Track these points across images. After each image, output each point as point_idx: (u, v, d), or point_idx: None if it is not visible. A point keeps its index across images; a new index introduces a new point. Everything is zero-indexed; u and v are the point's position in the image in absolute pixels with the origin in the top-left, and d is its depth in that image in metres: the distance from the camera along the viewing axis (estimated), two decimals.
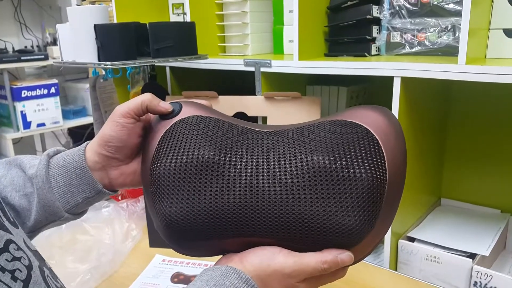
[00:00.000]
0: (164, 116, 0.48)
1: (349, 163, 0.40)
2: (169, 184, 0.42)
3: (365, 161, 0.40)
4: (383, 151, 0.41)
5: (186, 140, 0.44)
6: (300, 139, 0.43)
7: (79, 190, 0.49)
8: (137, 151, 0.51)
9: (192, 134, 0.44)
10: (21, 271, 0.33)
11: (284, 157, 0.42)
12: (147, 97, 0.49)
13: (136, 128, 0.49)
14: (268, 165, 0.42)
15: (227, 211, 0.41)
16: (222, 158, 0.42)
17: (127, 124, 0.48)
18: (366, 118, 0.43)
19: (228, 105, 0.97)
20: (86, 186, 0.49)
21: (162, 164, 0.43)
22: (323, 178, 0.40)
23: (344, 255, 0.41)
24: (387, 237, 0.81)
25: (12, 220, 0.38)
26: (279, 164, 0.42)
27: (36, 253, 0.39)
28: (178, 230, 0.43)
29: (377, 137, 0.42)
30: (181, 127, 0.45)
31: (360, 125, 0.43)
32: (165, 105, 0.49)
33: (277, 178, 0.41)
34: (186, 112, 0.47)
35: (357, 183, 0.39)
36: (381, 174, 0.40)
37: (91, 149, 0.50)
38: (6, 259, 0.32)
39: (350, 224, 0.39)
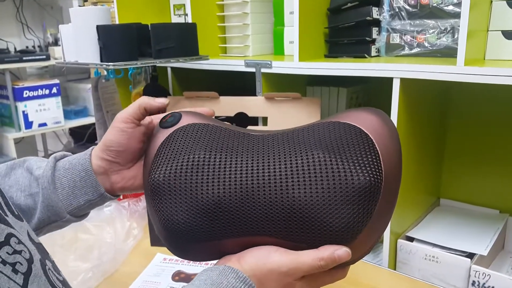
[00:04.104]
0: (164, 125, 0.49)
1: (344, 160, 0.41)
2: (166, 190, 0.44)
3: (359, 159, 0.41)
4: (378, 150, 0.42)
5: (183, 146, 0.45)
6: (295, 139, 0.44)
7: (82, 192, 0.51)
8: (138, 156, 0.53)
9: (189, 140, 0.46)
10: (21, 264, 0.33)
11: (279, 154, 0.43)
12: (143, 99, 0.51)
13: (136, 133, 0.51)
14: (263, 162, 0.43)
15: (224, 208, 0.42)
16: (218, 157, 0.44)
17: (126, 129, 0.51)
18: (360, 119, 0.45)
19: (228, 105, 0.98)
20: (90, 188, 0.51)
21: (160, 171, 0.44)
22: (318, 174, 0.40)
23: (341, 251, 0.41)
24: (386, 236, 0.81)
25: (16, 213, 0.39)
26: (274, 160, 0.43)
27: (40, 246, 0.40)
28: (180, 234, 0.44)
29: (371, 136, 0.43)
30: (179, 135, 0.47)
31: (354, 125, 0.44)
32: (161, 100, 0.52)
33: (272, 173, 0.42)
34: (185, 120, 0.49)
35: (353, 180, 0.40)
36: (377, 171, 0.41)
37: (95, 154, 0.52)
38: (7, 252, 0.32)
39: (345, 219, 0.40)
